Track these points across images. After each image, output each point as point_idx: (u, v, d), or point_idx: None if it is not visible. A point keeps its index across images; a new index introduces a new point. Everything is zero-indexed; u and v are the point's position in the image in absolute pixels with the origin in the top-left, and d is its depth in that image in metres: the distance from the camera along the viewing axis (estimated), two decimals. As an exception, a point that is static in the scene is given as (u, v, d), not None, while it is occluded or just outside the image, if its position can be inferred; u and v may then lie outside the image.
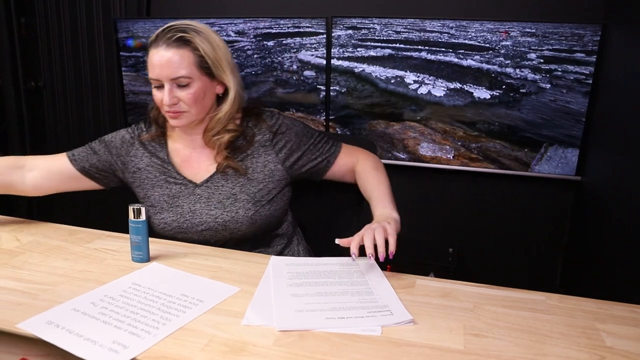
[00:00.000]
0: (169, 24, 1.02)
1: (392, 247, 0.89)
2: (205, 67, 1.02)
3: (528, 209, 2.10)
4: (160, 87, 1.02)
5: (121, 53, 2.35)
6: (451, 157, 2.08)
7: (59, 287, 0.84)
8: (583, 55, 1.86)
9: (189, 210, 1.09)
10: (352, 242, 0.90)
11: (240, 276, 0.91)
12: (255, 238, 1.12)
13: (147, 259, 0.97)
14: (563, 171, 1.98)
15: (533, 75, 1.92)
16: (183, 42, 0.99)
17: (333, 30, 2.06)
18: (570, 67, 1.89)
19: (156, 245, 1.04)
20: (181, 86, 1.01)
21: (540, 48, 1.89)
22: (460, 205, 2.16)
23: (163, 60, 0.99)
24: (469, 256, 2.16)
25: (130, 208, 0.94)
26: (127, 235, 1.11)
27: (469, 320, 0.78)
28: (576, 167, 1.95)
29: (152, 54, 1.00)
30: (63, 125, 2.65)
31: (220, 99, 1.10)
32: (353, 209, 1.30)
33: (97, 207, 2.71)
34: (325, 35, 2.06)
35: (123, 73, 2.39)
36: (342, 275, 0.92)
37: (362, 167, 1.14)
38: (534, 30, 1.89)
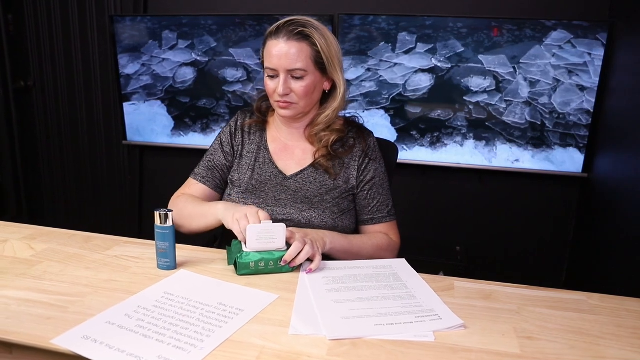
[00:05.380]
0: (289, 18, 1.05)
1: (314, 266, 0.92)
2: (320, 63, 1.05)
3: (534, 206, 2.11)
4: (274, 77, 1.05)
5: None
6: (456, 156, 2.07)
7: (87, 298, 0.80)
8: (591, 52, 1.87)
9: (273, 197, 1.10)
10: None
11: (275, 282, 0.88)
12: None
13: (174, 266, 0.92)
14: (564, 170, 1.99)
15: (537, 75, 1.93)
16: (303, 36, 1.02)
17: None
18: (578, 64, 1.90)
19: (179, 251, 0.99)
20: (295, 78, 1.04)
21: (542, 48, 1.90)
22: (467, 203, 2.16)
23: (282, 51, 1.02)
24: (475, 254, 2.16)
25: (157, 213, 0.89)
26: (146, 241, 1.07)
27: (518, 323, 0.77)
28: (583, 164, 1.96)
29: (272, 44, 1.03)
30: (54, 125, 2.55)
31: (325, 96, 1.12)
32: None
33: (92, 206, 2.64)
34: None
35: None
36: (378, 278, 0.90)
37: (374, 234, 1.13)
38: (535, 29, 1.90)
